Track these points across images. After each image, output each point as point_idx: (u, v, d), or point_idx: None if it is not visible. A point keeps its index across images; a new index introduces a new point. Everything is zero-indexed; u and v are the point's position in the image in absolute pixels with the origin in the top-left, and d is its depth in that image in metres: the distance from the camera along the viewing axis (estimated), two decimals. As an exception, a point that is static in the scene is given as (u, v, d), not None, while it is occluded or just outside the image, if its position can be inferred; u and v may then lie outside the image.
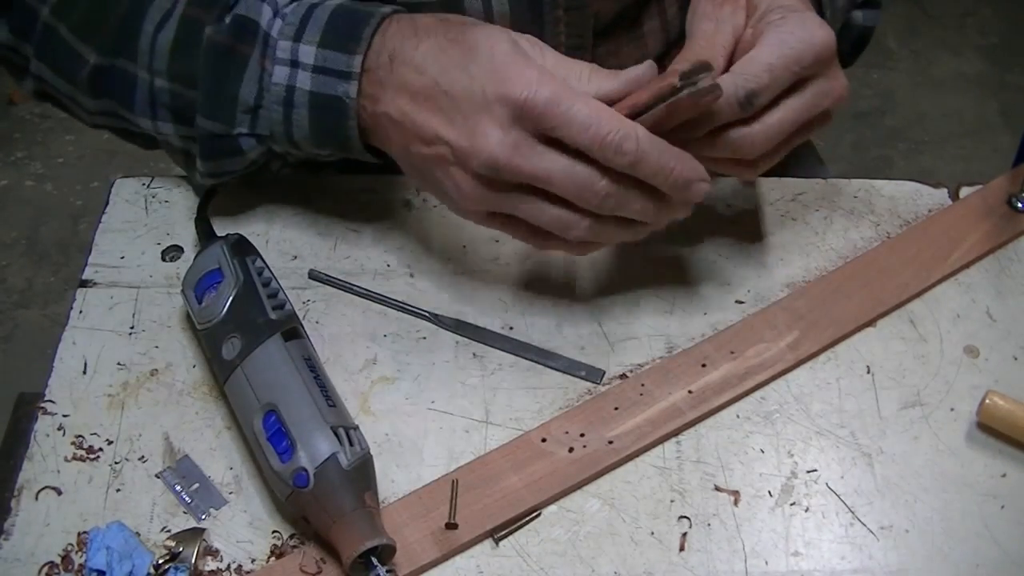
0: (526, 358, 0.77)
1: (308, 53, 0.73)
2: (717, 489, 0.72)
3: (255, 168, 0.81)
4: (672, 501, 0.71)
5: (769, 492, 0.71)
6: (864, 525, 0.70)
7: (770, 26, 0.71)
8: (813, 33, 0.70)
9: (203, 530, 0.68)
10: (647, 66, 0.69)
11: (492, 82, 0.66)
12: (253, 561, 0.67)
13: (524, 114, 0.65)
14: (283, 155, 0.80)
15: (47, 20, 0.79)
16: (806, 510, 0.71)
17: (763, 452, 0.73)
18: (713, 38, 0.73)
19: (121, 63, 0.78)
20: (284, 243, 0.83)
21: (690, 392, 0.75)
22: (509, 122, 0.66)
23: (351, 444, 0.66)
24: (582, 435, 0.73)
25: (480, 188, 0.68)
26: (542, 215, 0.68)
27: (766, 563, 0.68)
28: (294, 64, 0.73)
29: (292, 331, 0.71)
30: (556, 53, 0.70)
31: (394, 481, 0.71)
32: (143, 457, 0.72)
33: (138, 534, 0.68)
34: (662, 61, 0.91)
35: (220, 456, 0.72)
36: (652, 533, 0.69)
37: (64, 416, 0.73)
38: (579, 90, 0.67)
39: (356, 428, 0.68)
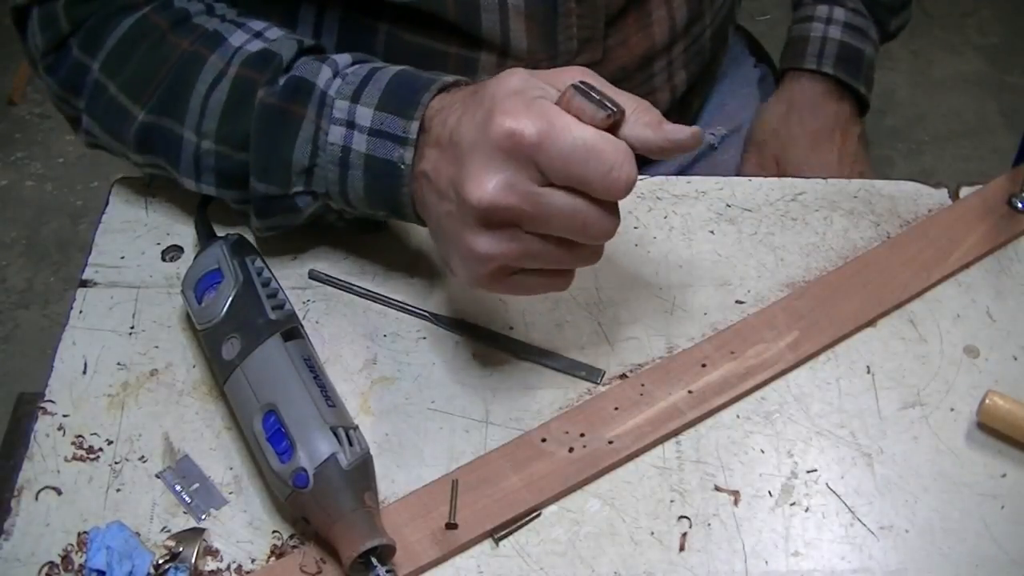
0: (526, 358, 0.77)
1: (365, 115, 0.71)
2: (717, 489, 0.72)
3: (311, 221, 0.79)
4: (672, 501, 0.71)
5: (769, 492, 0.71)
6: (864, 525, 0.70)
7: None
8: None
9: (203, 530, 0.68)
10: (692, 130, 0.65)
11: (485, 119, 0.63)
12: (253, 561, 0.67)
13: (514, 147, 0.62)
14: (339, 210, 0.78)
15: (98, 78, 0.79)
16: (806, 510, 0.71)
17: (763, 452, 0.73)
18: None
19: (167, 123, 0.77)
20: (284, 243, 0.83)
21: (690, 392, 0.75)
22: (502, 160, 0.63)
23: (351, 444, 0.66)
24: (582, 435, 0.73)
25: (479, 236, 0.65)
26: (545, 255, 0.66)
27: (766, 563, 0.68)
28: (350, 125, 0.72)
29: (292, 331, 0.71)
30: (601, 82, 0.66)
31: (394, 481, 0.71)
32: (143, 457, 0.72)
33: (138, 534, 0.68)
34: (669, 51, 0.92)
35: (220, 456, 0.72)
36: (652, 533, 0.69)
37: (64, 416, 0.73)
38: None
39: (356, 428, 0.68)
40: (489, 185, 0.63)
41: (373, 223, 0.82)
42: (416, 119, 0.70)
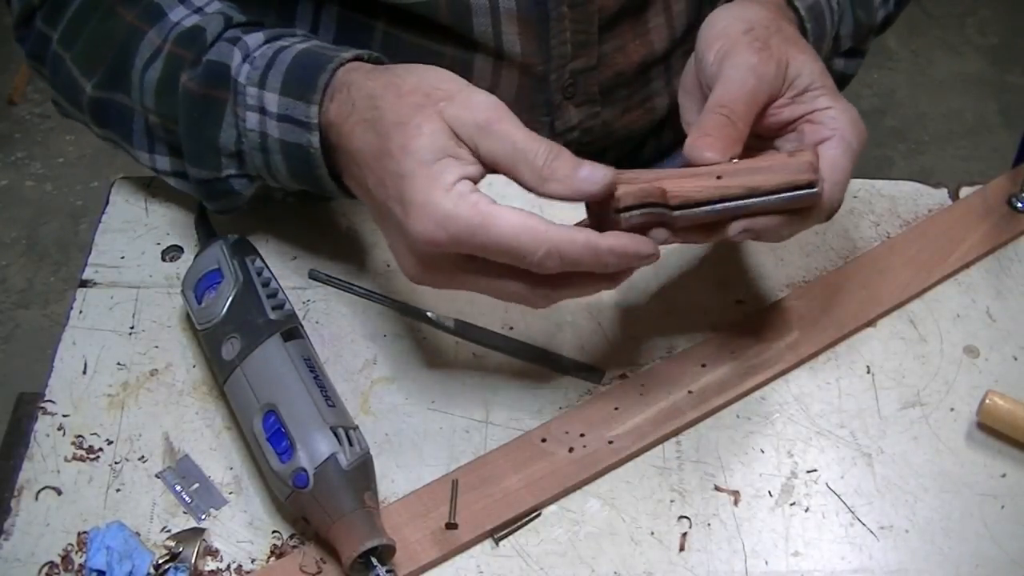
0: (526, 358, 0.77)
1: (272, 101, 0.71)
2: (717, 489, 0.72)
3: (257, 198, 0.80)
4: (672, 501, 0.71)
5: (769, 492, 0.71)
6: (864, 525, 0.70)
7: (826, 119, 0.70)
8: (861, 125, 0.71)
9: (203, 530, 0.68)
10: (605, 173, 0.64)
11: (402, 211, 0.64)
12: (253, 561, 0.67)
13: (433, 249, 0.63)
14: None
15: (56, 50, 0.80)
16: (806, 510, 0.71)
17: (763, 452, 0.73)
18: (754, 98, 0.70)
19: (118, 97, 0.78)
20: (284, 243, 0.83)
21: (690, 392, 0.75)
22: (420, 251, 0.64)
23: (351, 444, 0.66)
24: (582, 435, 0.73)
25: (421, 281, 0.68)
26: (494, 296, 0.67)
27: (766, 563, 0.68)
28: (262, 111, 0.72)
29: (292, 331, 0.71)
30: (510, 131, 0.64)
31: (394, 481, 0.71)
32: (143, 457, 0.72)
33: (138, 534, 0.68)
34: (668, 59, 0.92)
35: (220, 456, 0.72)
36: (652, 533, 0.69)
37: (64, 416, 0.73)
38: (504, 209, 0.62)
39: (356, 428, 0.68)
40: (412, 268, 0.66)
41: (321, 196, 0.82)
42: (315, 103, 0.69)
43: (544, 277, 0.64)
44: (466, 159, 0.64)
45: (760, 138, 0.72)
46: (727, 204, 0.66)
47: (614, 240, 0.63)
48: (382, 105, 0.66)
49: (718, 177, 0.66)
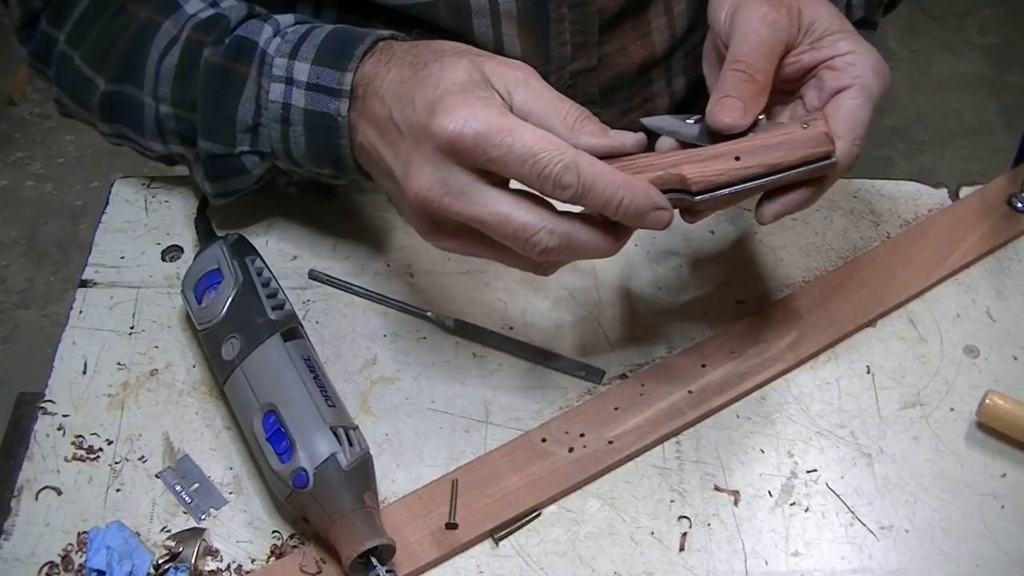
0: (526, 358, 0.77)
1: (302, 70, 0.73)
2: (717, 489, 0.72)
3: (261, 185, 0.81)
4: (672, 501, 0.71)
5: (769, 492, 0.71)
6: (864, 525, 0.70)
7: (846, 66, 0.70)
8: (884, 70, 0.71)
9: (203, 530, 0.68)
10: (638, 136, 0.67)
11: (428, 114, 0.63)
12: (253, 561, 0.67)
13: (454, 149, 0.63)
14: (288, 172, 0.79)
15: (63, 49, 0.81)
16: (806, 510, 0.71)
17: (763, 452, 0.73)
18: (770, 47, 0.70)
19: (129, 89, 0.79)
20: (284, 243, 0.83)
21: (690, 392, 0.75)
22: (440, 158, 0.63)
23: (351, 444, 0.66)
24: (582, 435, 0.73)
25: (424, 223, 0.67)
26: (487, 253, 0.67)
27: (766, 563, 0.68)
28: (289, 81, 0.73)
29: (292, 331, 0.71)
30: (545, 90, 0.67)
31: (394, 481, 0.71)
32: (143, 457, 0.72)
33: (138, 534, 0.68)
34: (668, 59, 0.92)
35: (220, 456, 0.72)
36: (652, 533, 0.69)
37: (64, 416, 0.73)
38: (539, 129, 0.63)
39: (356, 428, 0.68)
40: (425, 180, 0.64)
41: (324, 188, 0.83)
42: (350, 71, 0.71)
43: (529, 255, 0.64)
44: (497, 98, 0.65)
45: (780, 93, 0.72)
46: (747, 184, 0.66)
47: (633, 177, 0.64)
48: (423, 51, 0.69)
49: (736, 158, 0.66)
